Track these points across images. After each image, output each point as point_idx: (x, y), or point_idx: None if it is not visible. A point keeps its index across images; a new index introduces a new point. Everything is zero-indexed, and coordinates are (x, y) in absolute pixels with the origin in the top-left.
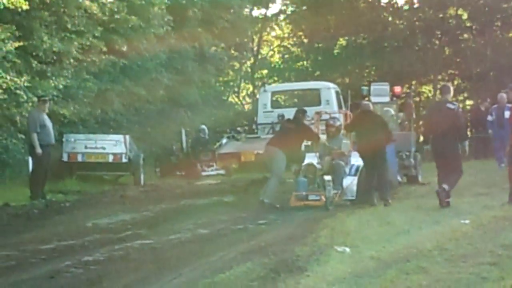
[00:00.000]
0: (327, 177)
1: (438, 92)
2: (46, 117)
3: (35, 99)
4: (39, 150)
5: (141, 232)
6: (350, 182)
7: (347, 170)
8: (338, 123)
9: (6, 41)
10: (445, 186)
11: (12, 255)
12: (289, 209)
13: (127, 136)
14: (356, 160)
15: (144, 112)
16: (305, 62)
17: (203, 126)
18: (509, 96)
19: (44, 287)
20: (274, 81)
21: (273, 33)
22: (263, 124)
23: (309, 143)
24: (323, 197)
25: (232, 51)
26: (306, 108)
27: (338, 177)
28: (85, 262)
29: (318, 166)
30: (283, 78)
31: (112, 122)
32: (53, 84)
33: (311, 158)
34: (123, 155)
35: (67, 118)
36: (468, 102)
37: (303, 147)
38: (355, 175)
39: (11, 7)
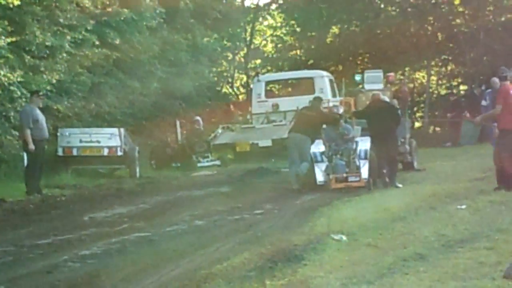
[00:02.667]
0: (360, 160)
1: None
2: (38, 111)
3: (29, 94)
4: (31, 146)
5: (138, 224)
6: (362, 165)
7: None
8: (341, 111)
9: None
10: None
11: (9, 250)
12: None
13: (122, 129)
14: (362, 145)
15: (138, 104)
16: (298, 51)
17: (198, 118)
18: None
19: (42, 282)
20: (268, 71)
21: (265, 23)
22: (258, 113)
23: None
24: (361, 178)
25: (225, 42)
26: (300, 97)
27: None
28: (83, 256)
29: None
30: (276, 67)
31: (106, 115)
32: (46, 79)
33: (317, 145)
34: (118, 148)
35: (61, 112)
36: (462, 87)
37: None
38: (365, 158)
39: (3, 2)
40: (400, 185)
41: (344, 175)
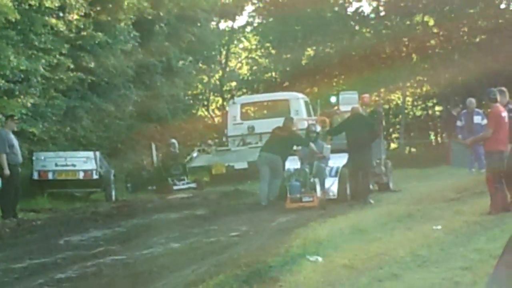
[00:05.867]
0: (317, 180)
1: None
2: (13, 136)
3: (4, 118)
4: (7, 172)
5: (113, 248)
6: (332, 182)
7: (327, 172)
8: (318, 129)
9: None
10: None
11: None
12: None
13: (97, 153)
14: (334, 162)
15: (114, 128)
16: (273, 73)
17: (173, 140)
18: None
19: None
20: (243, 93)
21: (240, 45)
22: (233, 136)
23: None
24: (315, 198)
25: (200, 64)
26: (276, 119)
27: (321, 179)
28: (58, 279)
29: (307, 169)
30: (251, 89)
31: (81, 139)
32: (21, 103)
33: (293, 162)
34: (94, 172)
35: (36, 136)
36: (438, 108)
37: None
38: (335, 176)
39: None
40: (372, 201)
41: (298, 195)
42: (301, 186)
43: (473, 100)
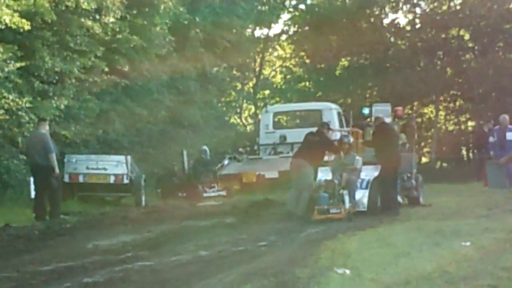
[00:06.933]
0: (345, 192)
1: None
2: None
3: (37, 120)
4: (57, 170)
5: (142, 253)
6: (362, 195)
7: (358, 184)
8: (351, 140)
9: (8, 61)
10: None
11: (12, 276)
12: (312, 222)
13: (129, 157)
14: (366, 175)
15: (146, 132)
16: (307, 83)
17: (205, 147)
18: None
19: None
20: (276, 102)
21: (275, 54)
22: (265, 144)
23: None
24: (343, 210)
25: (234, 72)
26: (308, 129)
27: (351, 191)
28: (85, 284)
29: (336, 181)
30: (285, 98)
31: (113, 142)
32: (54, 105)
33: (324, 172)
34: (125, 176)
35: (68, 138)
36: (470, 123)
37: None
38: (366, 188)
39: (13, 27)
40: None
41: (326, 207)
42: (329, 198)
43: (506, 116)
